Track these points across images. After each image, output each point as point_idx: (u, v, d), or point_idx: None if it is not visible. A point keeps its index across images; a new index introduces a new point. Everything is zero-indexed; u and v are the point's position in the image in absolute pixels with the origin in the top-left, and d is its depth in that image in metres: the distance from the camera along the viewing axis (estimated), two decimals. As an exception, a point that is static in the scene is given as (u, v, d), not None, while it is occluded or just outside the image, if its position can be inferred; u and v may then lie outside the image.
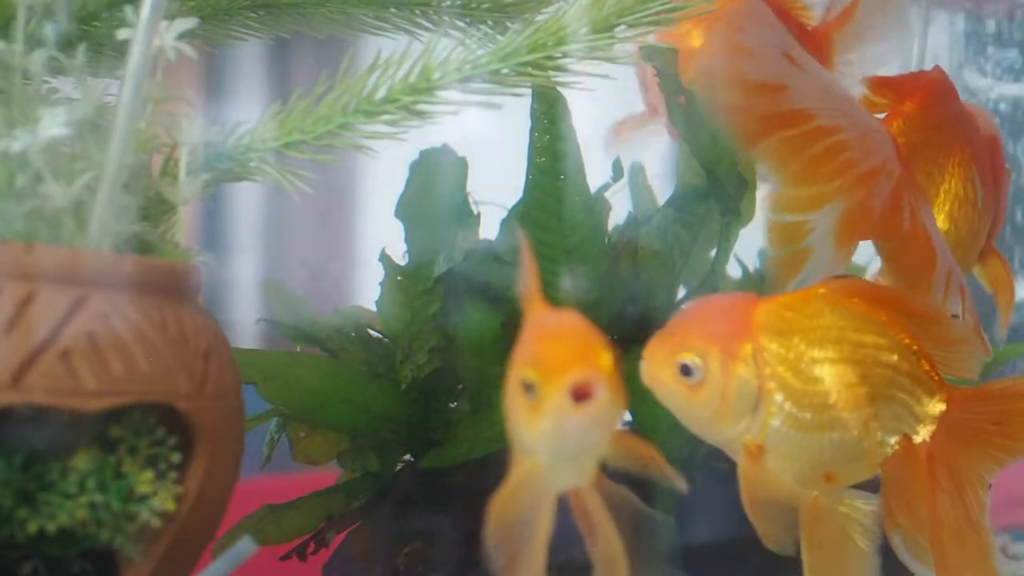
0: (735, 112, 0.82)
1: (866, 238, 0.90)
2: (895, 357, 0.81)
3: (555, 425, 0.65)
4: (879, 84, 0.95)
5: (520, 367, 0.67)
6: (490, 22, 1.12)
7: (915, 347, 0.82)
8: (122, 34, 0.81)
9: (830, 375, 0.80)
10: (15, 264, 0.72)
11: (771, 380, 0.79)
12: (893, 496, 0.81)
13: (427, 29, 1.13)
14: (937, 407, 0.82)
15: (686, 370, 0.79)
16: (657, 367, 0.81)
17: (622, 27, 0.95)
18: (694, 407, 0.80)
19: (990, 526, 0.84)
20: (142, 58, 0.80)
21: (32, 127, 0.76)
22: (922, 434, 0.82)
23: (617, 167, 1.16)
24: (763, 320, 0.81)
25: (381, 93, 0.95)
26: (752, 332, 0.80)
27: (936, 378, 0.83)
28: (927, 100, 0.96)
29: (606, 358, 0.66)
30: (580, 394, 0.64)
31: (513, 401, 0.68)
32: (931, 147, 0.96)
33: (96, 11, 0.97)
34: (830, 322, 0.81)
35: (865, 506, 0.80)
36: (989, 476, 0.85)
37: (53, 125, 0.76)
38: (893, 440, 0.81)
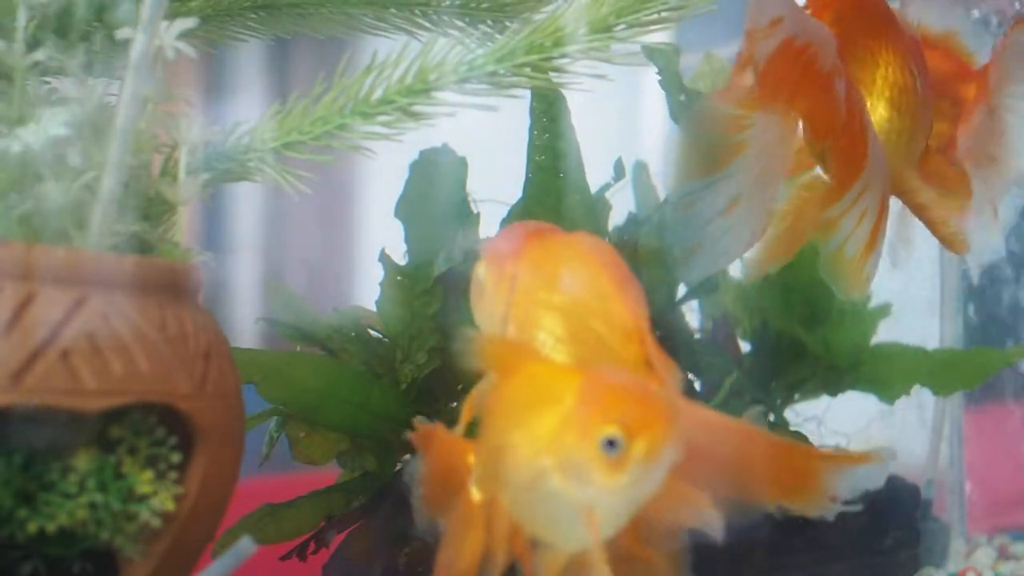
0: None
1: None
2: (603, 328, 0.79)
3: (640, 478, 0.68)
4: None
5: (596, 426, 0.68)
6: (489, 22, 1.12)
7: (631, 326, 0.78)
8: (122, 34, 0.81)
9: (546, 320, 0.80)
10: (15, 264, 0.72)
11: (513, 306, 0.82)
12: None
13: (427, 29, 1.13)
14: None
15: (476, 280, 0.85)
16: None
17: (621, 27, 0.95)
18: (478, 313, 0.85)
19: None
20: (142, 58, 0.80)
21: (32, 127, 0.76)
22: None
23: (618, 166, 1.16)
24: (530, 250, 0.82)
25: (377, 94, 0.95)
26: (519, 258, 0.83)
27: (647, 365, 0.78)
28: None
29: (672, 409, 0.69)
30: (667, 448, 0.67)
31: (580, 459, 0.68)
32: (864, 35, 0.94)
33: (97, 11, 0.97)
34: (564, 271, 0.80)
35: None
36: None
37: (53, 125, 0.76)
38: None
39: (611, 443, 0.67)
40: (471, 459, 0.79)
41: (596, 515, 0.70)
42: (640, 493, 0.69)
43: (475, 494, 0.78)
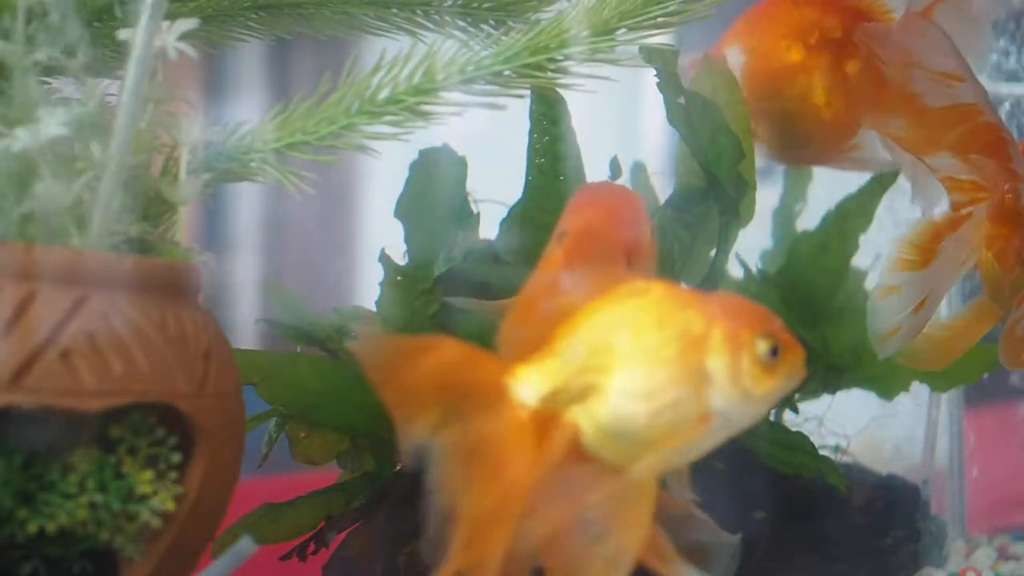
0: None
1: None
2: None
3: (783, 385, 0.75)
4: None
5: (751, 337, 0.74)
6: (492, 22, 1.12)
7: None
8: (122, 34, 0.81)
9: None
10: (15, 264, 0.72)
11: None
12: None
13: (428, 29, 1.13)
14: None
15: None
16: None
17: (623, 30, 0.96)
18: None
19: None
20: (143, 58, 0.80)
21: (32, 127, 0.76)
22: None
23: (614, 165, 1.16)
24: (573, 220, 0.89)
25: (384, 94, 0.95)
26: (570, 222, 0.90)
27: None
28: None
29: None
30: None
31: (735, 366, 0.74)
32: None
33: (97, 11, 0.97)
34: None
35: None
36: None
37: (53, 125, 0.76)
38: None
39: (774, 351, 0.74)
40: (508, 381, 0.75)
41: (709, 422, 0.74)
42: (772, 404, 0.76)
43: (567, 428, 0.74)
